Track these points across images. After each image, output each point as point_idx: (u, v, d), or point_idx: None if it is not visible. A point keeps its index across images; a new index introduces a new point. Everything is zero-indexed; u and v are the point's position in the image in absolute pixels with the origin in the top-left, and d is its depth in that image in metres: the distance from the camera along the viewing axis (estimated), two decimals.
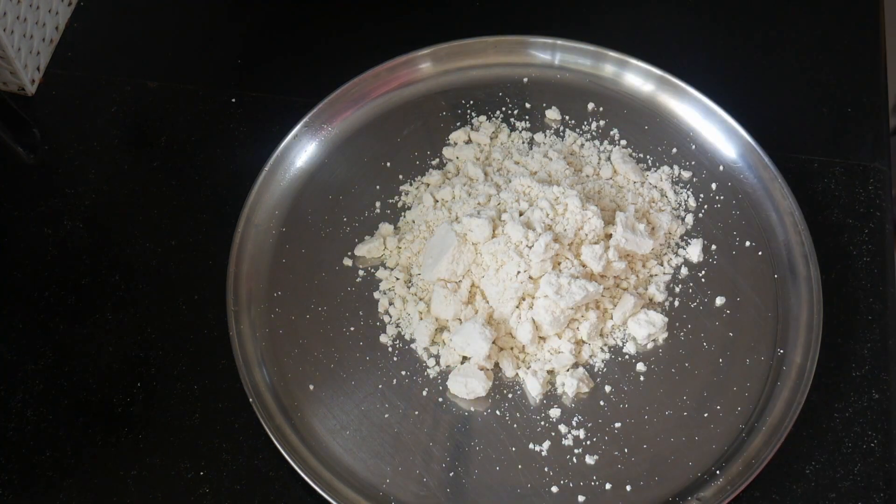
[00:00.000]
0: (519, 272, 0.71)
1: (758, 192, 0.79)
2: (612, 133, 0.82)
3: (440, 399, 0.71)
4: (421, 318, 0.73)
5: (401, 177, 0.81)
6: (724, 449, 0.69)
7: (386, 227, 0.78)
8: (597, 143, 0.82)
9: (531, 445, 0.69)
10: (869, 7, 0.91)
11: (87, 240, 0.79)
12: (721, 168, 0.81)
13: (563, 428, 0.70)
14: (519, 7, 0.92)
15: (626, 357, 0.73)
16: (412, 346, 0.73)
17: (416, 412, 0.71)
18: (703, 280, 0.76)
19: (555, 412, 0.70)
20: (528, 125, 0.83)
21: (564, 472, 0.68)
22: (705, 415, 0.71)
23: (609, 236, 0.74)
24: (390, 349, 0.73)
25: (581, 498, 0.68)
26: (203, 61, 0.89)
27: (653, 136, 0.82)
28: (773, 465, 0.68)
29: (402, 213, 0.79)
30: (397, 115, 0.83)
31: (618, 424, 0.70)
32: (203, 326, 0.75)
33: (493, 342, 0.71)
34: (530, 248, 0.71)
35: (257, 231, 0.77)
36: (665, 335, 0.74)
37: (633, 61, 0.83)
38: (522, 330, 0.71)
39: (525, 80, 0.85)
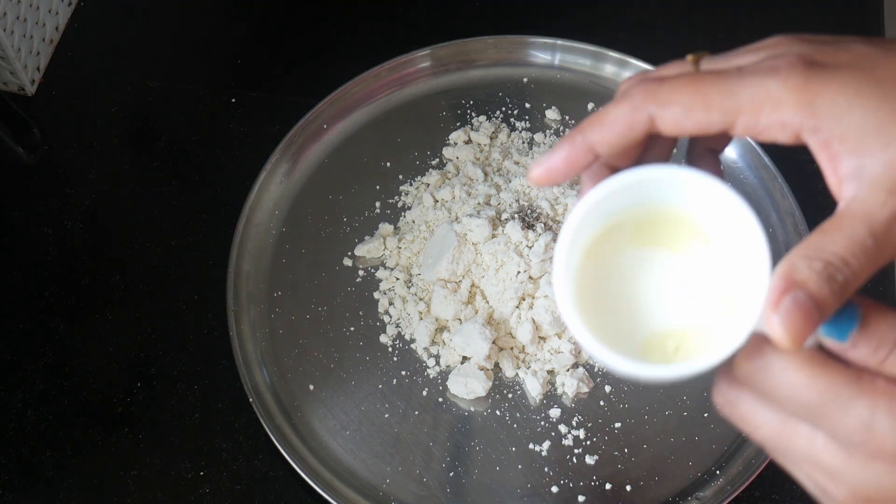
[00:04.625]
0: (519, 272, 0.71)
1: (758, 192, 0.79)
2: None
3: (440, 399, 0.71)
4: (421, 318, 0.73)
5: (401, 177, 0.81)
6: (724, 449, 0.69)
7: (386, 227, 0.78)
8: None
9: (531, 445, 0.69)
10: (870, 7, 0.91)
11: (87, 240, 0.79)
12: (721, 168, 0.81)
13: (563, 428, 0.70)
14: (519, 7, 0.92)
15: None
16: (412, 346, 0.73)
17: (416, 412, 0.71)
18: None
19: (555, 412, 0.70)
20: (528, 125, 0.83)
21: (564, 472, 0.68)
22: (705, 415, 0.71)
23: None
24: (390, 349, 0.73)
25: (581, 498, 0.68)
26: (203, 61, 0.89)
27: None
28: (773, 465, 0.68)
29: (402, 213, 0.79)
30: (397, 115, 0.83)
31: (618, 424, 0.70)
32: (203, 326, 0.75)
33: (493, 342, 0.71)
34: (530, 248, 0.71)
35: (257, 231, 0.77)
36: None
37: (633, 61, 0.83)
38: (522, 330, 0.71)
39: (525, 80, 0.85)
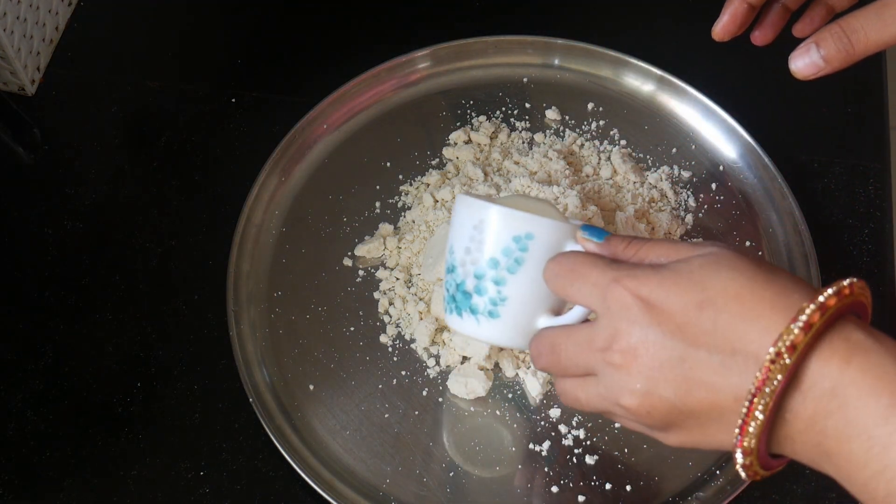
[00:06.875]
0: None
1: (758, 192, 0.79)
2: (611, 133, 0.82)
3: (440, 399, 0.71)
4: (421, 318, 0.73)
5: (401, 177, 0.81)
6: None
7: (386, 227, 0.78)
8: (597, 142, 0.82)
9: (531, 445, 0.69)
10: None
11: (87, 240, 0.79)
12: (721, 168, 0.81)
13: (563, 428, 0.70)
14: (519, 7, 0.92)
15: None
16: (412, 346, 0.73)
17: (416, 412, 0.71)
18: None
19: (555, 412, 0.70)
20: (528, 125, 0.83)
21: (564, 472, 0.69)
22: None
23: None
24: (390, 349, 0.73)
25: (581, 498, 0.68)
26: (203, 61, 0.89)
27: (653, 136, 0.82)
28: None
29: (402, 213, 0.79)
30: (397, 115, 0.83)
31: (618, 424, 0.70)
32: (203, 326, 0.75)
33: None
34: None
35: (257, 231, 0.77)
36: None
37: (633, 61, 0.83)
38: None
39: (525, 80, 0.85)
